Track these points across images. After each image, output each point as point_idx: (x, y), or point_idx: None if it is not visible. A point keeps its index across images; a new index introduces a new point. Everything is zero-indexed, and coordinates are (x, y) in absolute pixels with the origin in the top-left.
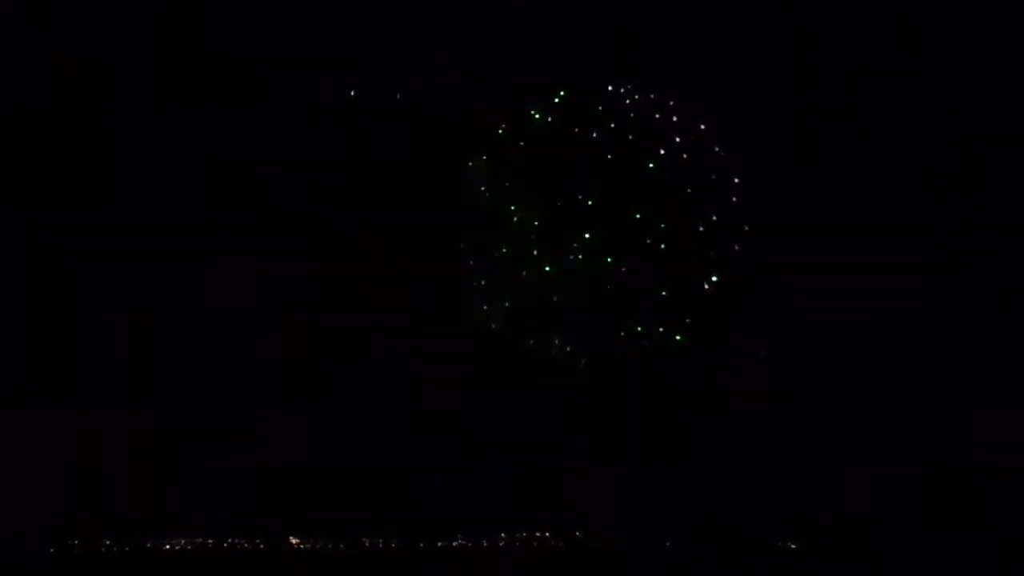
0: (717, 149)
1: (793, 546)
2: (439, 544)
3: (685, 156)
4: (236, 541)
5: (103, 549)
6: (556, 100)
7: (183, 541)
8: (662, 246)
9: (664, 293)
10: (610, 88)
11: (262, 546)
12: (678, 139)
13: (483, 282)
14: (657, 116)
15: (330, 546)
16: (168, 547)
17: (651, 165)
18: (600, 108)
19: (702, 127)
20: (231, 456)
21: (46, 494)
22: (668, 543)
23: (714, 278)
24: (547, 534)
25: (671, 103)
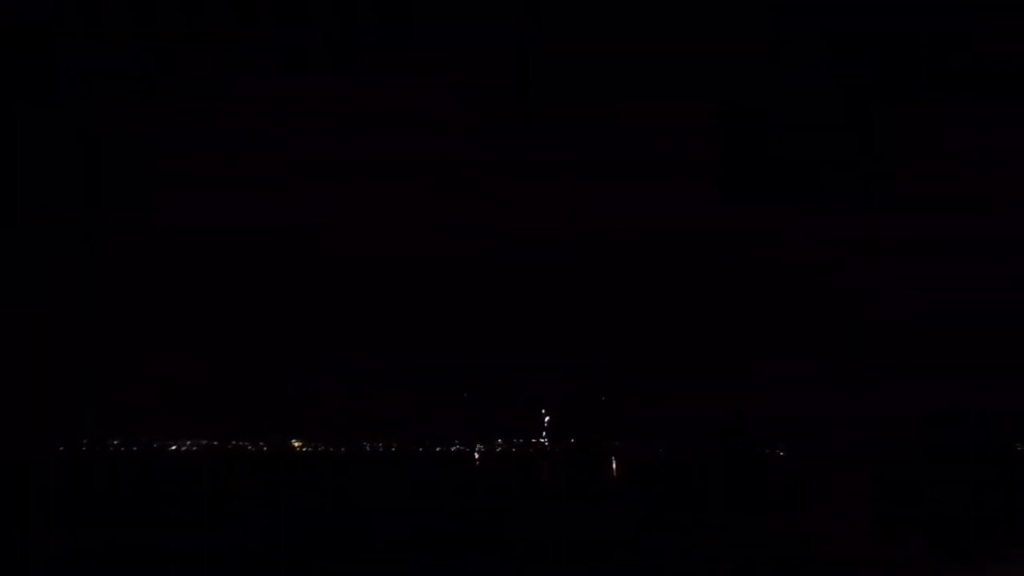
0: None
1: (781, 453)
2: (437, 449)
3: None
4: (240, 443)
5: (111, 449)
6: None
7: (188, 442)
8: None
9: None
10: None
11: (265, 448)
12: None
13: None
14: None
15: (331, 449)
16: (174, 448)
17: None
18: None
19: None
20: (238, 363)
21: (55, 396)
22: (659, 450)
23: None
24: (543, 440)
25: None
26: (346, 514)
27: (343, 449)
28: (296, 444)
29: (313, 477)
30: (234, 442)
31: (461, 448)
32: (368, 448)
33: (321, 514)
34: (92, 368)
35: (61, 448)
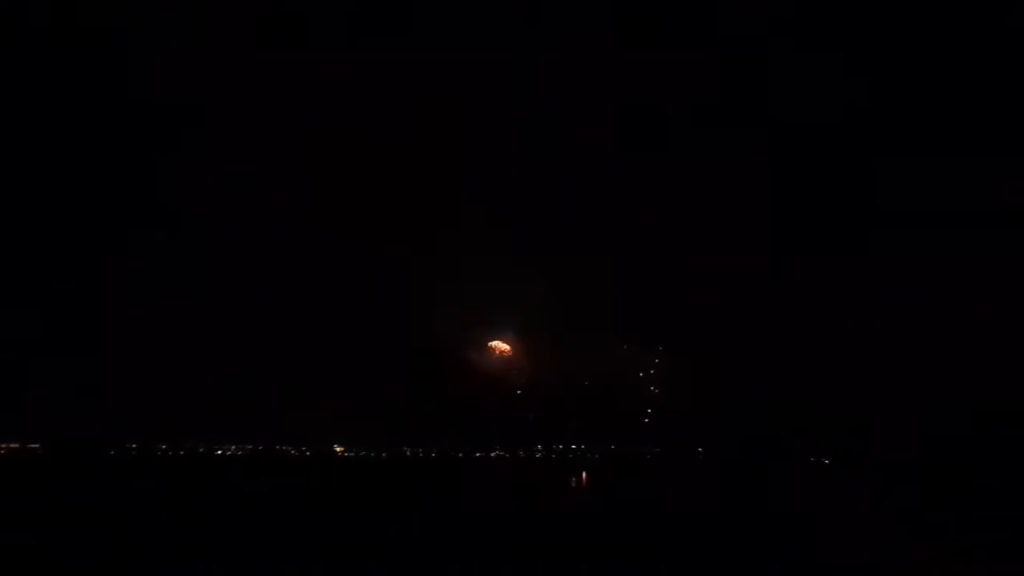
0: None
1: (827, 461)
2: (477, 455)
3: None
4: (284, 448)
5: (159, 453)
6: None
7: (233, 447)
8: None
9: None
10: None
11: (308, 453)
12: None
13: None
14: None
15: (373, 455)
16: (220, 452)
17: None
18: None
19: None
20: (284, 369)
21: (105, 400)
22: (700, 450)
23: None
24: (583, 446)
25: None
26: (387, 518)
27: (384, 455)
28: (338, 449)
29: (356, 481)
30: (278, 447)
31: (501, 453)
32: (408, 453)
33: (362, 517)
34: (139, 371)
35: (112, 452)
